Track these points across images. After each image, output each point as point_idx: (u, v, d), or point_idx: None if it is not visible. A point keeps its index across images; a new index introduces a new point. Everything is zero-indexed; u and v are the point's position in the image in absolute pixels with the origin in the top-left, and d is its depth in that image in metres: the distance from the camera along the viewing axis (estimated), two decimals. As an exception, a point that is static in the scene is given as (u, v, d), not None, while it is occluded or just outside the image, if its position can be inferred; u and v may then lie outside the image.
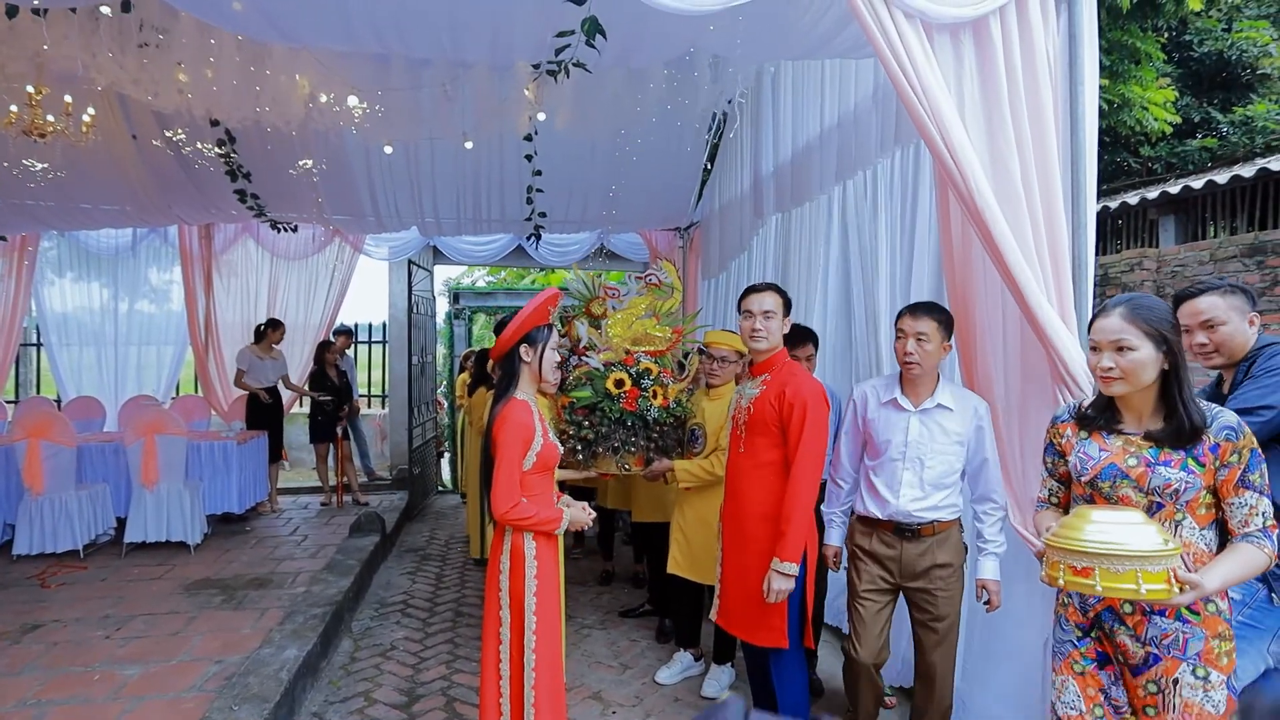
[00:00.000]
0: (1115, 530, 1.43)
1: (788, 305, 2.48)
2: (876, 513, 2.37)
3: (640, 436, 2.96)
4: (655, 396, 3.02)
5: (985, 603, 2.30)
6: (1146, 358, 1.55)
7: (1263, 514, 1.52)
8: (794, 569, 2.26)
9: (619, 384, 3.00)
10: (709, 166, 6.29)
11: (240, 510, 5.41)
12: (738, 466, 2.50)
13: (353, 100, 3.95)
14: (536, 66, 3.89)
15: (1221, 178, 5.04)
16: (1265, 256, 4.39)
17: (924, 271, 2.99)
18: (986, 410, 2.34)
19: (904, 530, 2.33)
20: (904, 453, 2.32)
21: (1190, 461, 1.54)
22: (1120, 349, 1.56)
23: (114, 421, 6.46)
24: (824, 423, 2.33)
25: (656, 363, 3.19)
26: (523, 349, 2.32)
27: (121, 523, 4.89)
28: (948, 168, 2.13)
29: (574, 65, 3.14)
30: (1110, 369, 1.58)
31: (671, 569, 3.25)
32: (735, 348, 3.11)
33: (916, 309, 2.31)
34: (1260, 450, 1.54)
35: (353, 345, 7.46)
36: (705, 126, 5.73)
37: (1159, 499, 1.56)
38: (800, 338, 3.03)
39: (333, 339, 6.73)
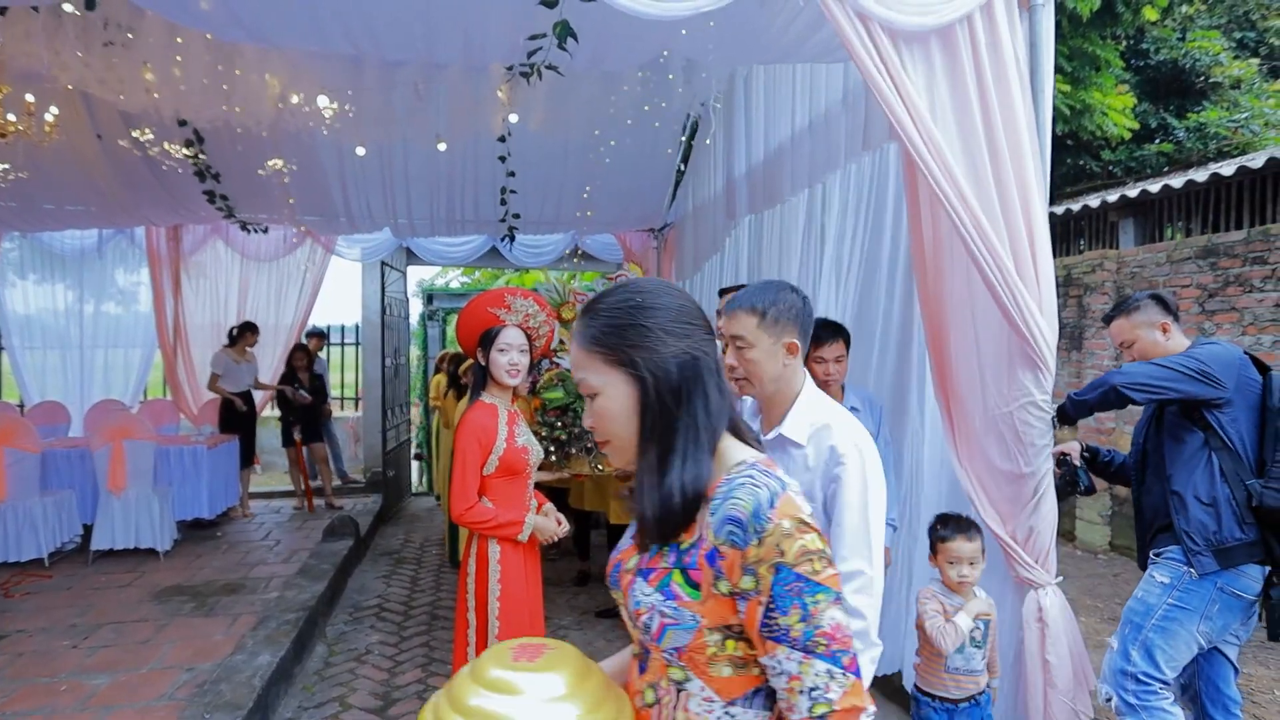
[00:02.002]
0: (496, 709, 0.84)
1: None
2: None
3: (615, 437, 2.98)
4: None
5: None
6: (611, 398, 0.95)
7: (811, 689, 0.83)
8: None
9: (594, 385, 3.02)
10: (682, 168, 6.34)
11: (211, 516, 5.33)
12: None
13: (324, 101, 3.92)
14: (510, 69, 3.91)
15: (1176, 182, 5.21)
16: (1218, 258, 4.55)
17: (896, 273, 3.05)
18: (859, 447, 1.50)
19: None
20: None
21: (677, 576, 0.89)
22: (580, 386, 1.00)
23: (80, 426, 6.32)
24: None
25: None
26: (478, 353, 2.36)
27: (88, 530, 4.79)
28: (927, 167, 2.18)
29: (546, 68, 3.15)
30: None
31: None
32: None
33: (732, 303, 1.62)
34: (813, 567, 0.84)
35: (325, 347, 7.38)
36: (679, 128, 5.77)
37: (644, 640, 0.93)
38: (830, 332, 2.58)
39: (305, 341, 6.66)
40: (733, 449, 0.96)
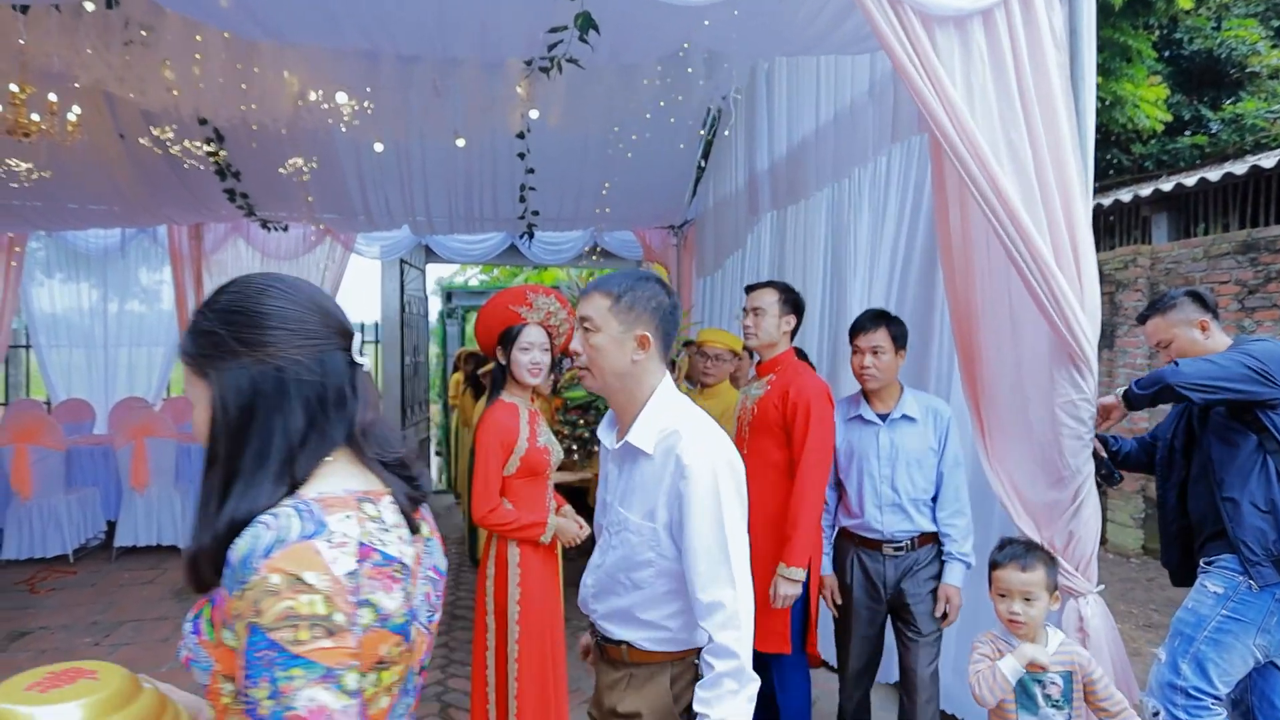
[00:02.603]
0: None
1: (791, 304, 2.44)
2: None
3: (636, 436, 2.92)
4: (651, 396, 2.99)
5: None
6: (198, 413, 0.86)
7: None
8: (801, 574, 2.23)
9: (614, 384, 2.96)
10: (703, 164, 6.26)
11: (232, 513, 5.35)
12: (741, 470, 2.47)
13: (342, 98, 3.90)
14: (529, 63, 3.86)
15: (1214, 175, 5.04)
16: (1259, 253, 4.39)
17: (926, 267, 2.96)
18: (712, 457, 1.45)
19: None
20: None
21: (206, 611, 0.82)
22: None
23: (104, 424, 6.38)
24: (829, 423, 2.30)
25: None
26: (498, 351, 2.31)
27: (112, 526, 4.83)
28: (960, 159, 2.10)
29: (567, 61, 3.10)
30: None
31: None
32: (730, 346, 3.08)
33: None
34: (297, 635, 0.70)
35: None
36: (699, 123, 5.70)
37: None
38: (870, 320, 2.60)
39: None
40: (323, 480, 0.81)
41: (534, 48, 3.10)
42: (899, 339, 2.36)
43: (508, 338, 2.30)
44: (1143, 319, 2.40)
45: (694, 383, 3.39)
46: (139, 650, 3.31)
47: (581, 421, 2.78)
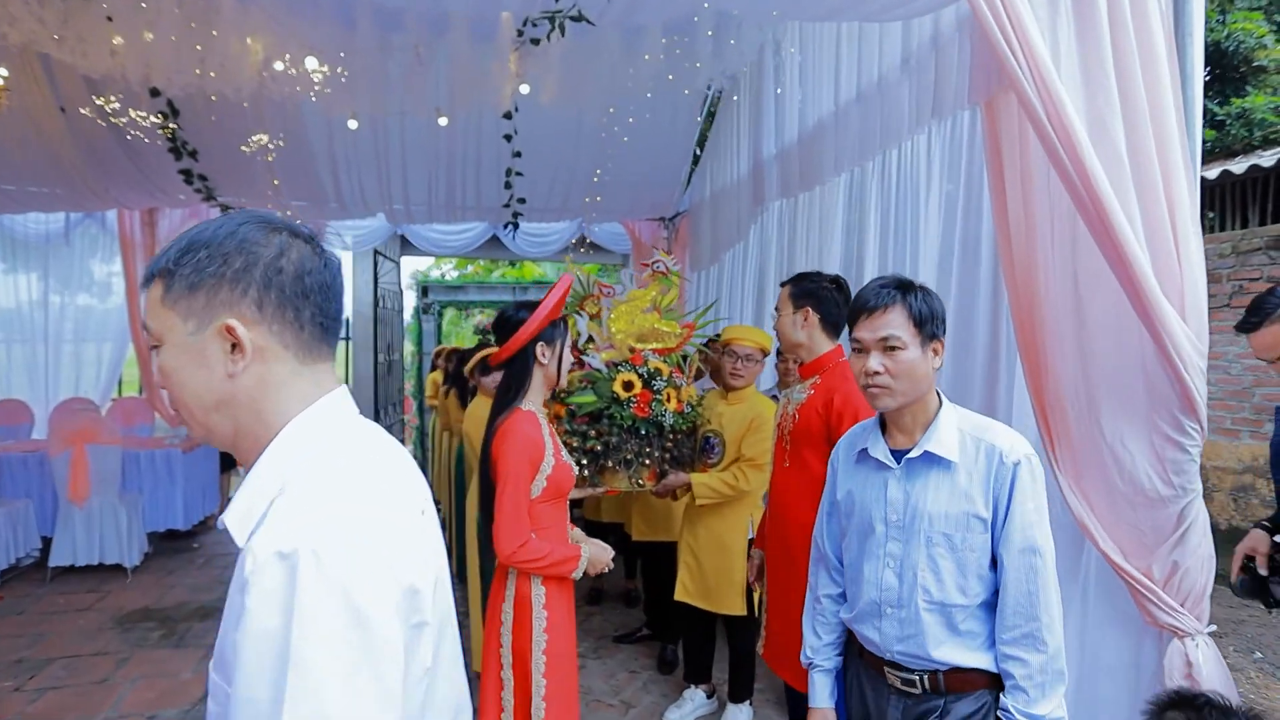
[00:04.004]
0: None
1: (811, 296, 2.11)
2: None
3: (655, 447, 2.56)
4: (669, 400, 2.64)
5: None
6: None
7: None
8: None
9: (628, 386, 2.60)
10: (698, 153, 5.93)
11: (186, 526, 4.87)
12: (783, 482, 2.13)
13: (312, 63, 3.47)
14: (520, 32, 3.48)
15: (1239, 167, 4.84)
16: (1293, 249, 4.19)
17: (980, 256, 2.64)
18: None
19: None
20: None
21: None
22: None
23: (44, 427, 5.83)
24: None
25: (665, 361, 2.81)
26: (539, 349, 1.92)
27: (47, 543, 4.32)
28: (1042, 128, 1.78)
29: (572, 19, 2.73)
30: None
31: (680, 596, 2.88)
32: (760, 344, 2.74)
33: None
34: None
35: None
36: (698, 108, 5.37)
37: None
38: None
39: None
40: None
41: (535, 3, 2.72)
42: (927, 321, 1.37)
43: (553, 334, 1.92)
44: (1250, 328, 2.02)
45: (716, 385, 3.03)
46: (71, 696, 2.85)
47: (594, 433, 2.41)
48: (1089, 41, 1.86)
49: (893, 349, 1.35)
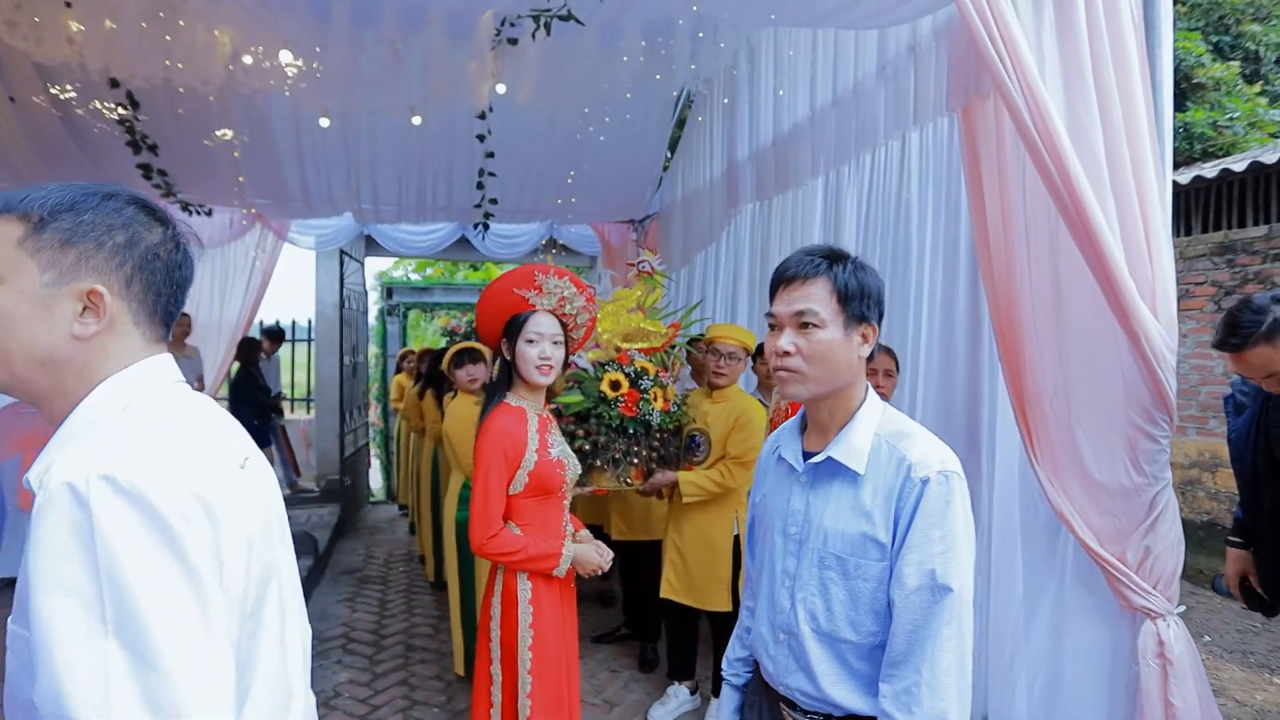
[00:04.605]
0: None
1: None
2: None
3: (643, 446, 2.58)
4: (655, 399, 2.66)
5: None
6: None
7: None
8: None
9: (615, 386, 2.61)
10: (669, 155, 5.98)
11: (144, 534, 4.68)
12: (779, 481, 2.15)
13: (287, 57, 3.39)
14: (498, 31, 3.47)
15: (1184, 178, 5.10)
16: (1235, 255, 4.43)
17: (957, 257, 2.73)
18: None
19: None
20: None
21: None
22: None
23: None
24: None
25: (651, 360, 2.83)
26: (503, 345, 1.96)
27: (-5, 554, 4.11)
28: (1027, 132, 1.86)
29: (560, 18, 2.73)
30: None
31: (665, 594, 2.90)
32: (743, 343, 2.78)
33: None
34: None
35: (275, 349, 6.72)
36: (671, 110, 5.41)
37: None
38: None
39: (261, 340, 6.06)
40: None
41: (524, 1, 2.72)
42: (855, 299, 1.16)
43: (513, 327, 1.93)
44: (1233, 348, 1.89)
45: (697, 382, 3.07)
46: None
47: (581, 432, 2.41)
48: (1069, 52, 1.96)
49: (808, 326, 1.15)
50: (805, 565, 1.18)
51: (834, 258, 1.19)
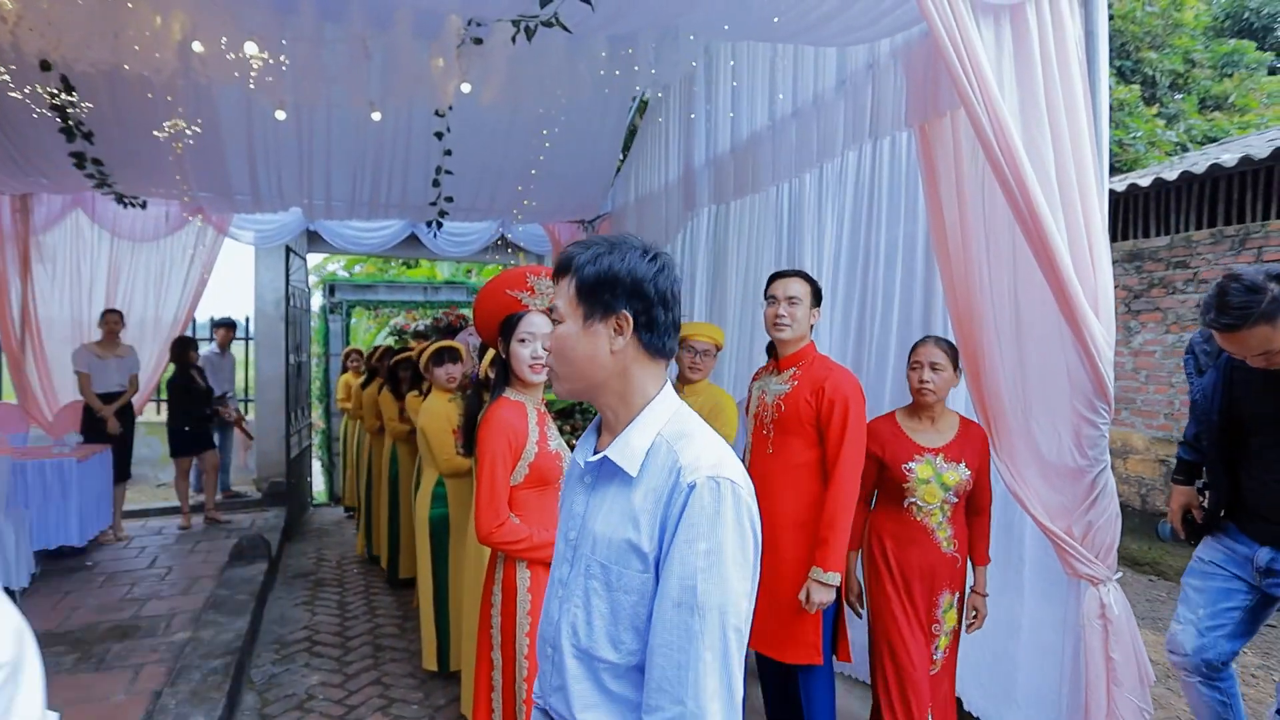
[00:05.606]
0: None
1: (817, 295, 2.31)
2: None
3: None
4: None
5: None
6: None
7: None
8: (837, 579, 2.10)
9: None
10: (622, 157, 6.07)
11: (81, 542, 4.45)
12: (765, 469, 2.30)
13: (251, 49, 3.31)
14: (466, 27, 3.49)
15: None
16: (1143, 261, 4.88)
17: (914, 265, 2.94)
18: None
19: None
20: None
21: None
22: None
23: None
24: (865, 420, 2.18)
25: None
26: (499, 344, 2.06)
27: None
28: (989, 145, 2.06)
29: (545, 25, 2.79)
30: None
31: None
32: (715, 340, 2.92)
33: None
34: None
35: (230, 342, 6.46)
36: (626, 113, 5.50)
37: None
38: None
39: (212, 333, 5.86)
40: None
41: (516, 5, 2.76)
42: (594, 291, 1.06)
43: (507, 327, 2.01)
44: (1229, 327, 1.87)
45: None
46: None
47: (566, 428, 2.50)
48: (1025, 75, 2.17)
49: (556, 323, 1.09)
50: (575, 574, 1.07)
51: (588, 246, 1.09)
